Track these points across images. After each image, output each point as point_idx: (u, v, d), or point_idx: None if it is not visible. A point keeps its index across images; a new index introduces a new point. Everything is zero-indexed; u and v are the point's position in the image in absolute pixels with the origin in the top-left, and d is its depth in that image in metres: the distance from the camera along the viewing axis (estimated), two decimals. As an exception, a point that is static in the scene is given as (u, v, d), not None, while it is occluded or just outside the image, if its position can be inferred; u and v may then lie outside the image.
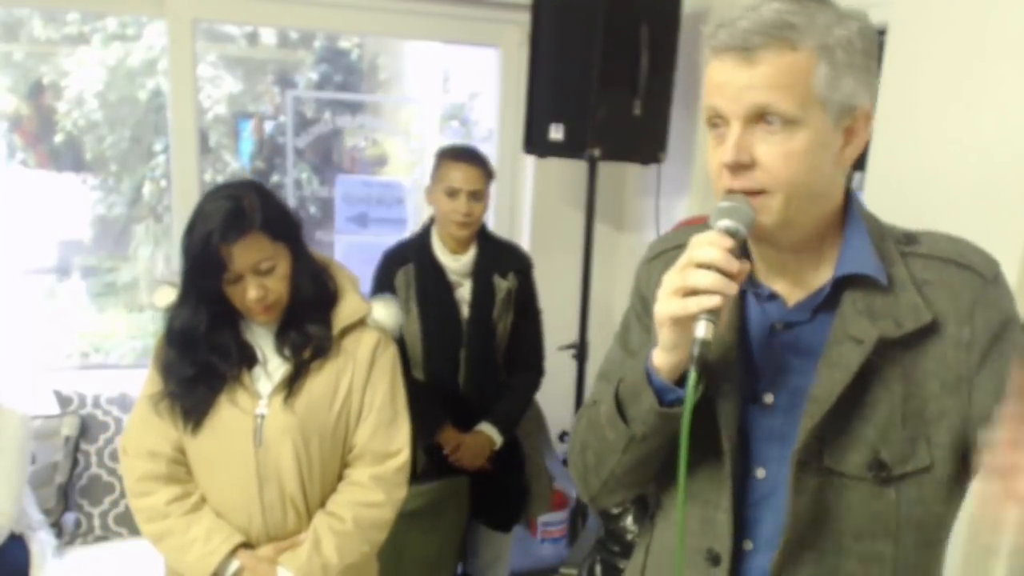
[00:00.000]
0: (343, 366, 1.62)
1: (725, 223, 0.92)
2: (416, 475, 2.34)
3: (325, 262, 1.69)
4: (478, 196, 2.20)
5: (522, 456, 2.40)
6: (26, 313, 4.99)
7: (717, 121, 0.95)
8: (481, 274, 2.26)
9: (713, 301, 0.89)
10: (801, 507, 0.98)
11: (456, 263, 2.25)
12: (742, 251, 0.93)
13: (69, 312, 5.21)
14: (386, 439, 1.65)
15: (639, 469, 1.06)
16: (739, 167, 0.93)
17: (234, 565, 1.55)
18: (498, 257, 2.28)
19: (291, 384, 1.58)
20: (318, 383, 1.60)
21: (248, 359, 1.60)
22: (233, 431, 1.57)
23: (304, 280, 1.59)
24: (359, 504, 1.62)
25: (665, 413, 0.97)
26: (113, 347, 5.03)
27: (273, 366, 1.61)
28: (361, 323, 1.65)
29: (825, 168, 0.93)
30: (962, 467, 0.96)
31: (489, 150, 2.98)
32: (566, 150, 2.56)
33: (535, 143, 2.61)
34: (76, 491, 2.52)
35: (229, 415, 1.57)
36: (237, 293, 1.53)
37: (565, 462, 2.80)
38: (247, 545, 1.58)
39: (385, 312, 1.68)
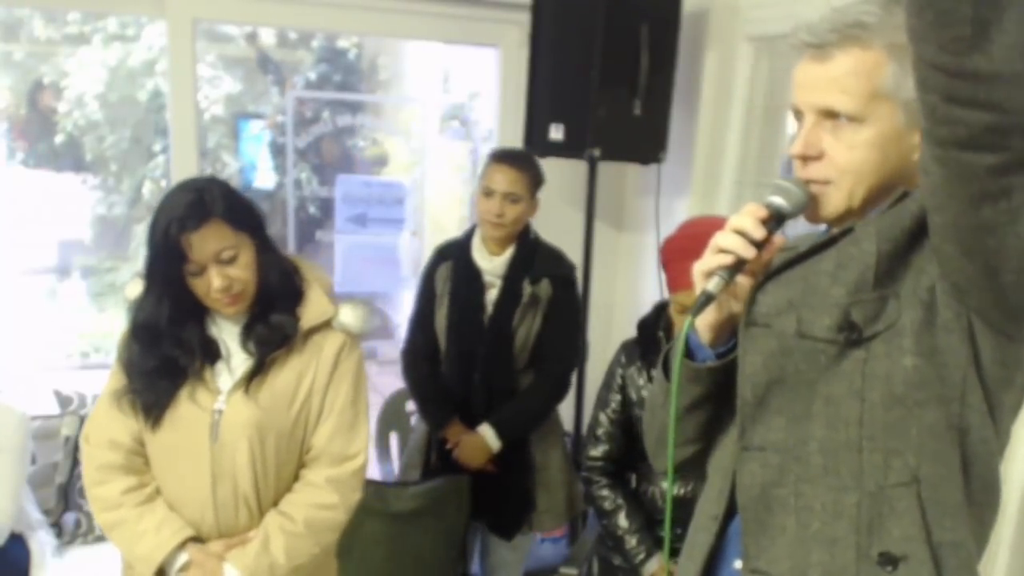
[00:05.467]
0: (306, 366, 1.61)
1: (770, 197, 1.00)
2: (428, 468, 2.37)
3: (295, 262, 1.68)
4: (514, 199, 2.19)
5: (530, 464, 2.35)
6: (26, 313, 4.99)
7: (798, 115, 1.03)
8: (511, 277, 2.25)
9: (726, 259, 0.96)
10: (750, 367, 1.03)
11: (490, 264, 2.25)
12: (775, 225, 0.99)
13: (69, 312, 5.21)
14: (345, 442, 1.64)
15: (681, 426, 1.10)
16: (807, 158, 1.00)
17: (182, 558, 1.54)
18: (533, 262, 2.26)
19: (252, 378, 1.57)
20: (280, 380, 1.59)
21: (211, 354, 1.59)
22: (190, 426, 1.56)
23: (270, 273, 1.58)
24: (312, 505, 1.61)
25: (690, 365, 1.04)
26: (113, 347, 5.02)
27: (236, 362, 1.60)
28: (328, 324, 1.64)
29: (893, 162, 0.98)
30: (928, 309, 0.94)
31: (489, 150, 2.98)
32: (566, 150, 2.56)
33: (535, 143, 2.61)
34: (76, 491, 2.52)
35: (187, 410, 1.56)
36: (202, 285, 1.52)
37: (565, 462, 2.79)
38: (198, 540, 1.57)
39: (352, 315, 1.66)
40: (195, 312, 1.59)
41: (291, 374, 1.60)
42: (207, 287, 1.51)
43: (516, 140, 2.72)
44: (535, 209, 2.27)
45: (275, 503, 1.62)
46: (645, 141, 2.55)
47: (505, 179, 2.19)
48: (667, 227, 2.68)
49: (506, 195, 2.18)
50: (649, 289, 2.94)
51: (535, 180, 2.25)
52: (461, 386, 2.30)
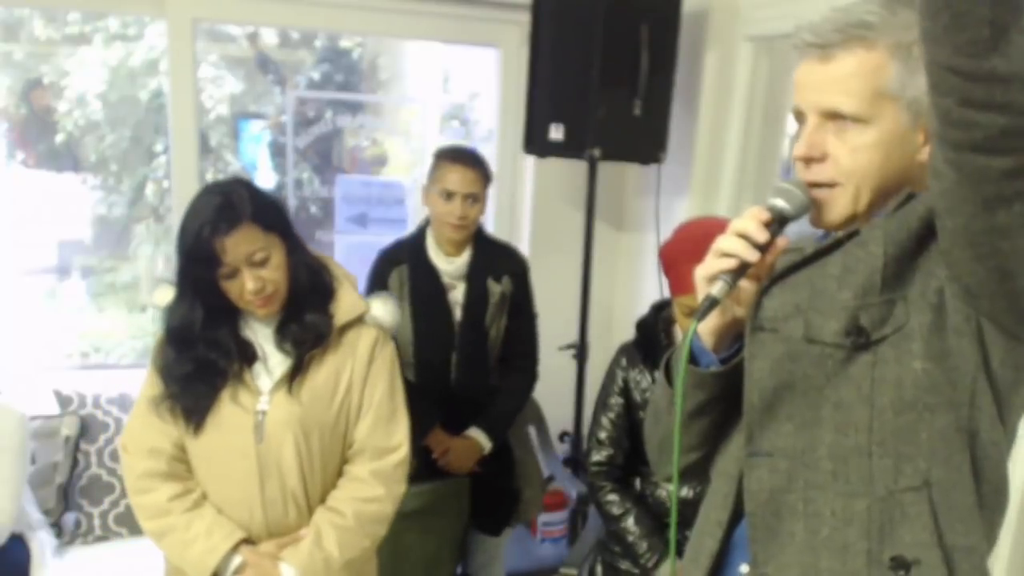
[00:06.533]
0: (343, 362, 1.63)
1: (772, 200, 0.98)
2: (410, 476, 2.36)
3: (323, 260, 1.70)
4: (474, 199, 2.17)
5: (513, 459, 2.38)
6: (26, 313, 4.99)
7: (800, 118, 1.01)
8: (475, 277, 2.23)
9: (729, 263, 0.95)
10: (758, 373, 1.02)
11: (450, 266, 2.23)
12: (778, 228, 0.98)
13: (69, 312, 5.21)
14: (386, 435, 1.66)
15: (685, 432, 1.09)
16: (811, 160, 0.99)
17: (236, 561, 1.55)
18: (493, 260, 2.26)
19: (293, 376, 1.59)
20: (319, 378, 1.61)
21: (248, 356, 1.60)
22: (234, 428, 1.57)
23: (301, 271, 1.60)
24: (359, 499, 1.63)
25: (694, 371, 1.03)
26: (113, 347, 5.03)
27: (274, 362, 1.61)
28: (360, 320, 1.66)
29: (897, 164, 0.97)
30: (937, 312, 0.93)
31: (489, 150, 2.98)
32: (566, 150, 2.56)
33: (535, 143, 2.61)
34: (76, 491, 2.52)
35: (230, 413, 1.57)
36: (235, 288, 1.53)
37: (566, 462, 2.80)
38: (248, 541, 1.59)
39: (383, 310, 1.70)
40: (228, 315, 1.60)
41: (329, 370, 1.62)
42: (240, 290, 1.53)
43: (516, 140, 2.73)
44: (486, 206, 2.26)
45: (322, 499, 1.64)
46: (645, 141, 2.55)
47: (464, 180, 2.15)
48: (667, 227, 2.68)
49: (467, 196, 2.16)
50: (649, 289, 2.94)
51: (488, 178, 2.24)
52: (436, 392, 2.26)
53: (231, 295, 1.55)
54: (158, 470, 1.59)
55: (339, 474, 1.67)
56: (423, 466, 2.30)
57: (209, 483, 1.62)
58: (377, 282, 2.25)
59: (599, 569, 2.08)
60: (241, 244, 1.49)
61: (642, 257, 3.06)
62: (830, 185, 0.98)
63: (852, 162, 0.97)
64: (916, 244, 0.95)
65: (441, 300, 2.23)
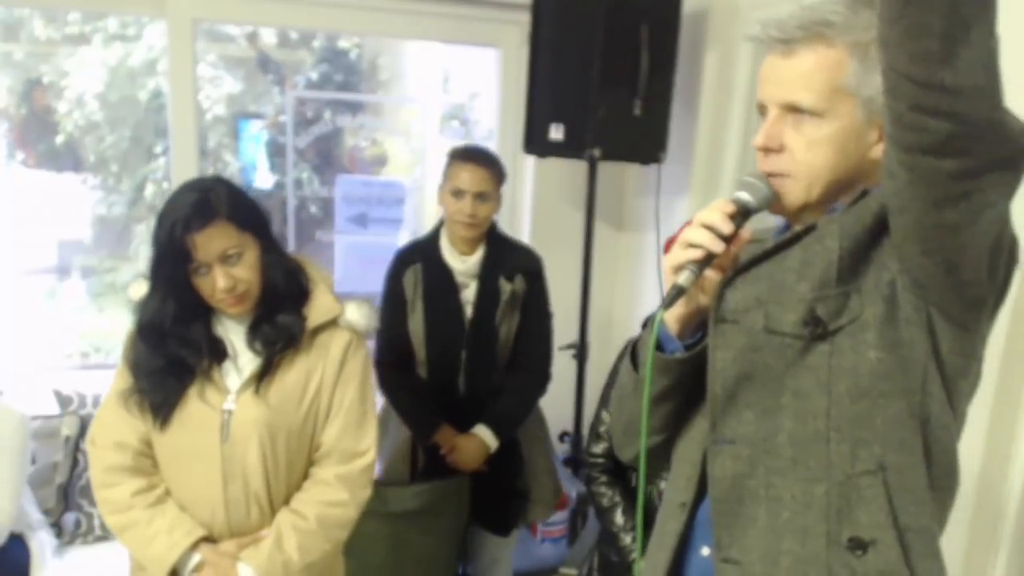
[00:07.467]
0: (314, 364, 1.62)
1: (737, 193, 1.03)
2: (416, 474, 2.35)
3: (300, 261, 1.69)
4: (484, 198, 2.18)
5: (520, 459, 2.38)
6: (26, 313, 4.99)
7: (762, 110, 1.06)
8: (487, 276, 2.24)
9: (696, 253, 0.99)
10: (720, 363, 1.05)
11: (463, 264, 2.24)
12: (742, 220, 1.02)
13: (69, 312, 5.21)
14: (354, 439, 1.65)
15: (650, 415, 1.12)
16: (768, 151, 1.03)
17: (195, 559, 1.55)
18: (506, 259, 2.26)
19: (261, 377, 1.58)
20: (288, 379, 1.60)
21: (218, 353, 1.60)
22: (200, 426, 1.57)
23: (275, 272, 1.59)
24: (323, 503, 1.62)
25: (660, 356, 1.07)
26: (113, 347, 5.02)
27: (243, 361, 1.60)
28: (333, 323, 1.65)
29: (851, 158, 1.01)
30: (889, 303, 0.98)
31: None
32: (566, 150, 2.56)
33: (535, 143, 2.61)
34: (76, 491, 2.52)
35: (197, 410, 1.57)
36: (207, 284, 1.53)
37: (566, 462, 2.80)
38: (209, 539, 1.58)
39: (358, 313, 1.68)
40: (200, 311, 1.59)
41: (299, 373, 1.61)
42: (212, 287, 1.52)
43: (516, 140, 2.73)
44: (500, 205, 2.27)
45: (286, 501, 1.63)
46: (645, 141, 2.55)
47: (474, 178, 2.17)
48: (667, 227, 2.68)
49: (477, 195, 2.17)
50: (649, 289, 2.94)
51: (501, 176, 2.25)
52: (444, 390, 2.27)
53: (203, 292, 1.54)
54: (123, 464, 1.59)
55: (304, 476, 1.66)
56: (431, 463, 2.31)
57: (174, 480, 1.61)
58: (392, 282, 2.28)
59: (596, 561, 2.09)
60: (213, 241, 1.49)
61: (642, 257, 3.06)
62: (786, 175, 1.03)
63: (807, 154, 1.01)
64: (869, 238, 1.00)
65: (453, 298, 2.24)
